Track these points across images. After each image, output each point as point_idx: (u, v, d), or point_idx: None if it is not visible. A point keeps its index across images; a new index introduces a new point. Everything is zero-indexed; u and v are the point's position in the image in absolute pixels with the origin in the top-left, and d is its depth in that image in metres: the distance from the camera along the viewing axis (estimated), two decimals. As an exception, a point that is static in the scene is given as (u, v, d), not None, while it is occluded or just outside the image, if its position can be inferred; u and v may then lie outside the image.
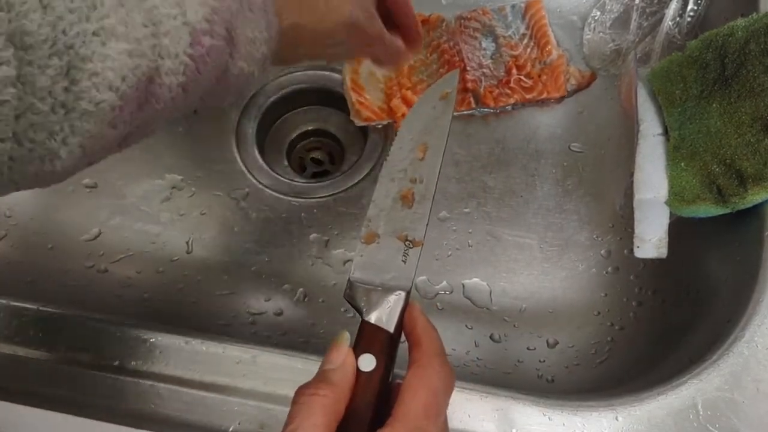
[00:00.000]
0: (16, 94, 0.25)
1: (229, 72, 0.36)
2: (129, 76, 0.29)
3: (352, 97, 0.58)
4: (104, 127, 0.29)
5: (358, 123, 0.59)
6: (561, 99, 0.59)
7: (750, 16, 0.44)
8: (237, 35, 0.35)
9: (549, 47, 0.59)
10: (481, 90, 0.58)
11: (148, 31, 0.30)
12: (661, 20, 0.56)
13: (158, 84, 0.31)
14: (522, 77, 0.59)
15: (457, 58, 0.59)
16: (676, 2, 0.55)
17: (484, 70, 0.59)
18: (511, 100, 0.58)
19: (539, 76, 0.59)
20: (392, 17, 0.49)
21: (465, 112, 0.59)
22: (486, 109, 0.59)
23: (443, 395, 0.30)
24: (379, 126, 0.59)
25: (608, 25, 0.60)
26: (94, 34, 0.28)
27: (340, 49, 0.46)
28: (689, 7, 0.55)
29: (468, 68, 0.59)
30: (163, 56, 0.31)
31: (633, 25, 0.58)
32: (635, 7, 0.58)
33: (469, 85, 0.58)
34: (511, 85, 0.59)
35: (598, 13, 0.60)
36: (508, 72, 0.59)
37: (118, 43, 0.28)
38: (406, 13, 0.50)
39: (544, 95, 0.58)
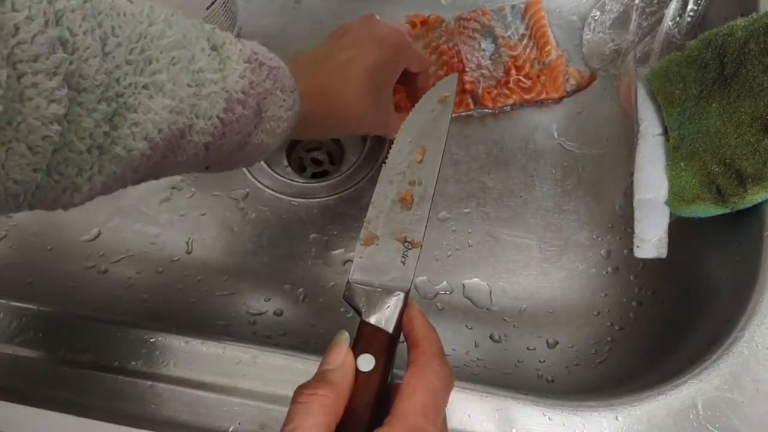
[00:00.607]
0: (60, 131, 0.25)
1: (250, 142, 0.38)
2: (165, 129, 0.30)
3: None
4: (128, 170, 0.30)
5: None
6: (560, 99, 0.59)
7: (749, 16, 0.44)
8: (265, 110, 0.38)
9: (548, 48, 0.59)
10: (480, 91, 0.58)
11: (191, 91, 0.32)
12: (660, 20, 0.56)
13: (187, 140, 0.33)
14: (521, 78, 0.59)
15: (456, 59, 0.59)
16: (676, 2, 0.55)
17: (483, 71, 0.59)
18: (510, 101, 0.58)
19: (538, 76, 0.59)
20: (408, 87, 0.56)
21: (463, 114, 0.59)
22: (484, 110, 0.59)
23: (442, 395, 0.30)
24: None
25: (608, 25, 0.60)
26: (145, 87, 0.29)
27: (349, 131, 0.54)
28: (689, 7, 0.55)
29: (467, 69, 0.59)
30: (199, 116, 0.33)
31: (632, 25, 0.58)
32: (635, 7, 0.58)
33: (468, 86, 0.58)
34: (510, 85, 0.59)
35: (598, 13, 0.60)
36: (507, 72, 0.59)
37: (164, 99, 0.30)
38: (417, 82, 0.56)
39: (543, 96, 0.58)
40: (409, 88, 0.56)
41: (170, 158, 0.33)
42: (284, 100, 0.39)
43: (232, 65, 0.34)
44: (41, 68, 0.24)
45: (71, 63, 0.25)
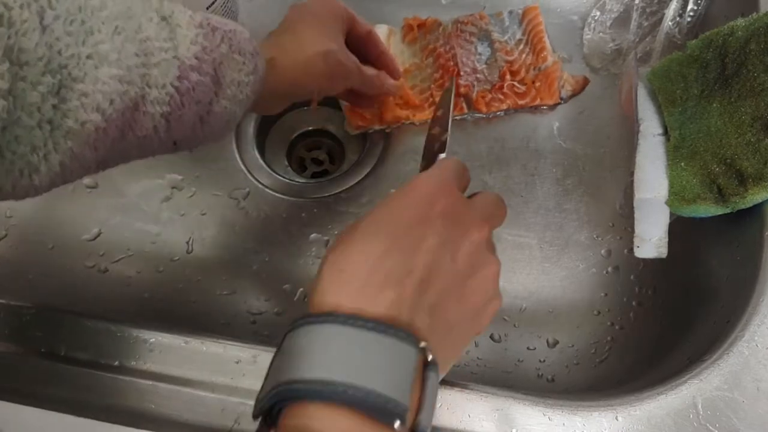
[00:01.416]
0: (6, 107, 0.25)
1: (213, 110, 0.37)
2: (116, 100, 0.30)
3: (345, 105, 0.58)
4: (86, 148, 0.30)
5: (352, 132, 0.59)
6: (554, 106, 0.59)
7: (750, 16, 0.44)
8: (222, 75, 0.37)
9: (544, 53, 0.59)
10: (474, 95, 0.58)
11: (139, 61, 0.31)
12: (661, 20, 0.56)
13: (143, 111, 0.32)
14: (515, 83, 0.59)
15: (452, 63, 0.59)
16: (676, 2, 0.55)
17: (478, 75, 0.59)
18: (504, 106, 0.58)
19: (533, 82, 0.58)
20: (363, 54, 0.52)
21: (457, 117, 0.59)
22: (478, 114, 0.59)
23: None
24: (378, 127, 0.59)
25: (608, 25, 0.60)
26: (88, 57, 0.29)
27: (322, 81, 0.47)
28: (689, 6, 0.55)
29: (462, 72, 0.59)
30: (151, 85, 0.32)
31: (633, 24, 0.58)
32: (635, 7, 0.58)
33: (462, 89, 0.58)
34: (504, 90, 0.58)
35: (598, 13, 0.60)
36: (502, 77, 0.59)
37: (110, 68, 0.30)
38: (375, 44, 0.53)
39: (537, 101, 0.58)
40: (372, 59, 0.55)
41: (129, 134, 0.32)
42: (243, 64, 0.38)
43: (182, 32, 0.34)
44: None
45: (9, 37, 0.25)
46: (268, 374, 0.28)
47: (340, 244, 0.30)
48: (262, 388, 0.28)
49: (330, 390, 0.25)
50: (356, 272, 0.29)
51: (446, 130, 0.40)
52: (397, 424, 0.25)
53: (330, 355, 0.26)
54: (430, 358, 0.27)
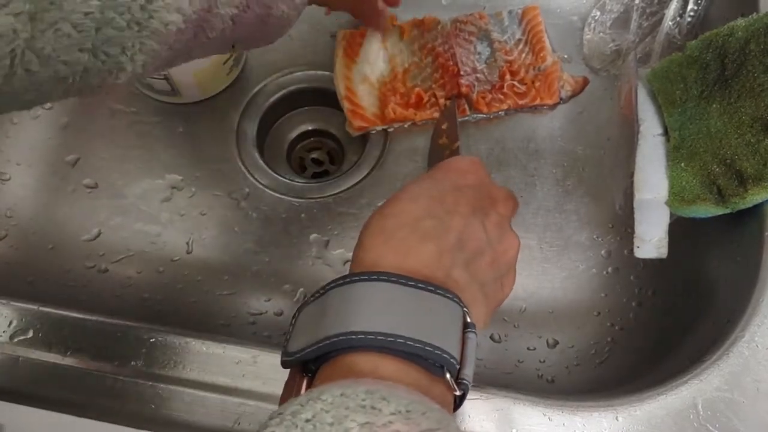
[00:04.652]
0: (100, 6, 0.26)
1: (272, 14, 0.37)
2: (195, 1, 0.30)
3: (345, 106, 0.58)
4: (164, 47, 0.30)
5: (353, 133, 0.59)
6: (554, 106, 0.59)
7: (750, 16, 0.44)
8: None
9: (544, 53, 0.59)
10: (474, 95, 0.58)
11: None
12: (661, 20, 0.56)
13: (215, 13, 0.32)
14: (515, 83, 0.59)
15: (451, 62, 0.59)
16: (676, 2, 0.55)
17: (478, 75, 0.59)
18: (504, 106, 0.58)
19: (533, 82, 0.59)
20: None
21: (459, 120, 0.58)
22: (479, 115, 0.59)
23: None
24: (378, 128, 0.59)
25: (608, 25, 0.60)
26: None
27: None
28: (689, 7, 0.55)
29: (461, 72, 0.59)
30: None
31: (633, 25, 0.58)
32: (635, 7, 0.58)
33: (463, 89, 0.58)
34: (504, 90, 0.58)
35: (598, 13, 0.60)
36: (502, 77, 0.59)
37: None
38: None
39: (537, 101, 0.58)
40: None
41: (201, 35, 0.33)
42: None
43: None
44: None
45: None
46: (297, 326, 0.30)
47: (381, 211, 0.34)
48: (290, 340, 0.30)
49: (388, 342, 0.27)
50: (397, 231, 0.32)
51: (456, 140, 0.42)
52: (448, 376, 0.28)
53: (385, 309, 0.28)
54: (468, 320, 0.30)
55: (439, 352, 0.28)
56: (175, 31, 0.30)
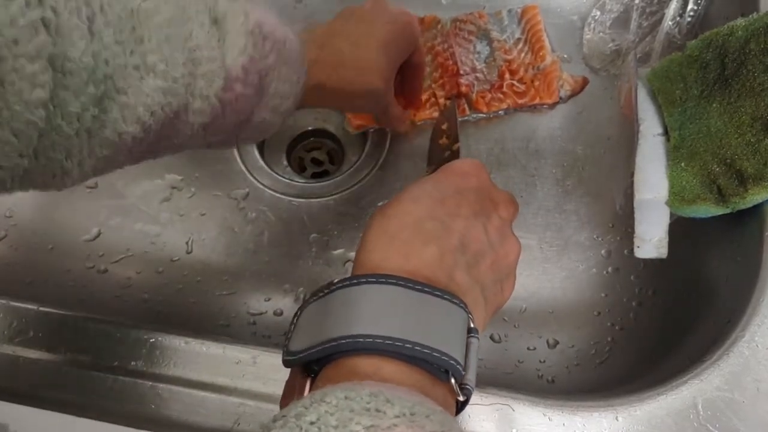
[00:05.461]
0: (45, 116, 0.25)
1: (252, 120, 0.36)
2: (158, 111, 0.29)
3: None
4: (121, 154, 0.29)
5: (352, 131, 0.59)
6: (554, 105, 0.59)
7: (750, 16, 0.44)
8: (268, 87, 0.36)
9: (543, 52, 0.59)
10: (474, 95, 0.58)
11: (186, 71, 0.30)
12: (661, 20, 0.56)
13: (183, 121, 0.31)
14: (515, 82, 0.59)
15: (451, 61, 0.59)
16: (676, 2, 0.55)
17: (477, 74, 0.59)
18: (504, 105, 0.58)
19: (532, 81, 0.59)
20: (402, 78, 0.53)
21: (460, 119, 0.58)
22: (479, 114, 0.59)
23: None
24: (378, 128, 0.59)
25: (608, 25, 0.60)
26: (135, 68, 0.28)
27: (357, 107, 0.52)
28: (689, 6, 0.55)
29: (461, 71, 0.59)
30: (195, 96, 0.31)
31: (633, 25, 0.58)
32: (635, 7, 0.58)
33: (463, 89, 0.58)
34: (504, 89, 0.58)
35: (598, 13, 0.60)
36: (501, 76, 0.59)
37: (155, 80, 0.28)
38: (417, 78, 0.54)
39: (537, 101, 0.58)
40: (404, 86, 0.56)
41: (165, 141, 0.32)
42: (290, 75, 0.37)
43: (231, 40, 0.32)
44: (22, 52, 0.23)
45: (55, 45, 0.24)
46: (300, 326, 0.30)
47: (384, 211, 0.33)
48: (292, 339, 0.29)
49: (395, 346, 0.27)
50: (400, 232, 0.32)
51: (457, 141, 0.41)
52: (453, 381, 0.28)
53: (391, 312, 0.28)
54: (472, 325, 0.30)
55: (446, 358, 0.27)
56: (131, 140, 0.29)
